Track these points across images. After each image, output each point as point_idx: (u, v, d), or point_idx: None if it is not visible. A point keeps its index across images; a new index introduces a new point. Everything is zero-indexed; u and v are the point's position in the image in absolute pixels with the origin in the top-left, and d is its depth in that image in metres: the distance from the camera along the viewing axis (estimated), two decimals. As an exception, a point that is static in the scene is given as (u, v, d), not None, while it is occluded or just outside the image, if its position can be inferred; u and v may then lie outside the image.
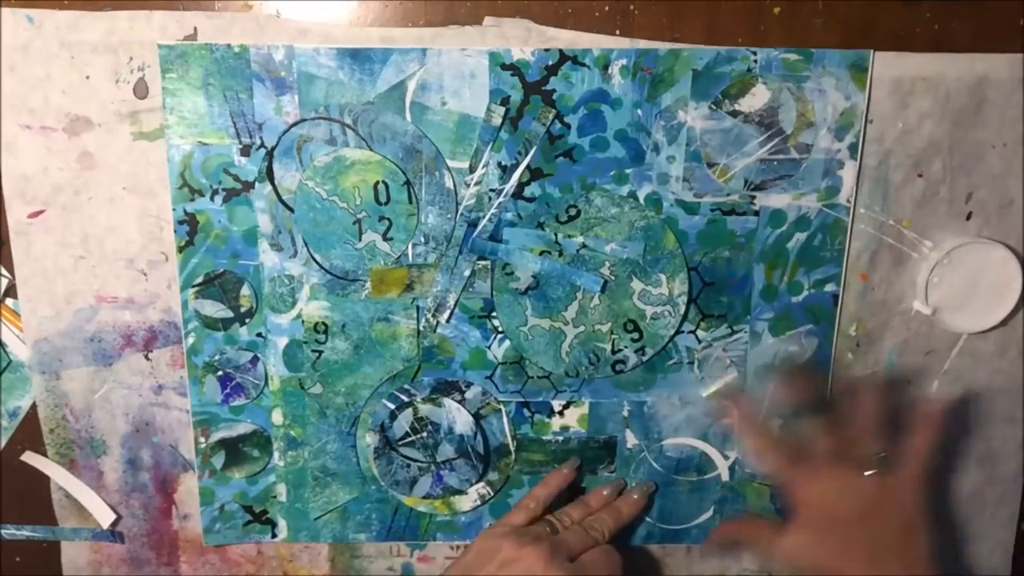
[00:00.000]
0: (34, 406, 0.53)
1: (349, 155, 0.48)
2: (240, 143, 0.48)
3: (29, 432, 0.53)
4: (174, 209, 0.49)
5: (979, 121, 0.48)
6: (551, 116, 0.48)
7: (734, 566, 0.56)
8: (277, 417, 0.52)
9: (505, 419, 0.53)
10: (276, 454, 0.53)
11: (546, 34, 0.47)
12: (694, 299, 0.51)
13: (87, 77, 0.47)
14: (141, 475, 0.54)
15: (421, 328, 0.51)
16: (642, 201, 0.49)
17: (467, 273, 0.50)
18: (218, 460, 0.53)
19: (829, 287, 0.50)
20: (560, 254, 0.50)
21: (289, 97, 0.47)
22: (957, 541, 0.56)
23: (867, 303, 0.51)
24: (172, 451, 0.53)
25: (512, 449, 0.53)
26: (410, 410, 0.52)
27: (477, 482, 0.53)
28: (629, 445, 0.53)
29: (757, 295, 0.51)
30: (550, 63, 0.47)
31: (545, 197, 0.49)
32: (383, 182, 0.48)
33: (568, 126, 0.48)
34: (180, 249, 0.49)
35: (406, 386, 0.52)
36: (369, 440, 0.53)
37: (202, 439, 0.52)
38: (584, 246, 0.49)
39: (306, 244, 0.49)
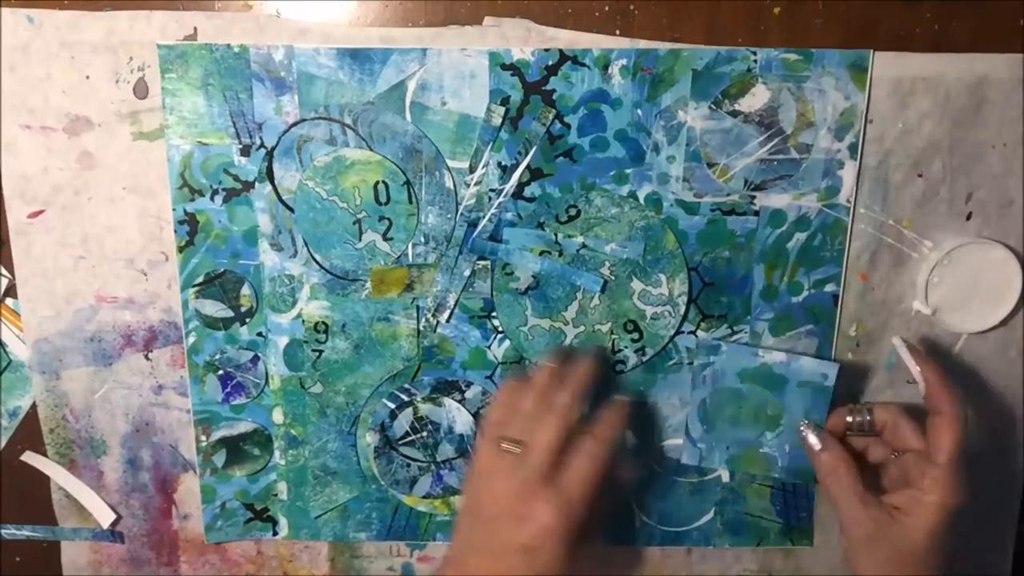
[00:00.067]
0: (34, 406, 0.53)
1: (349, 155, 0.48)
2: (240, 143, 0.48)
3: (29, 432, 0.53)
4: (174, 209, 0.49)
5: (979, 121, 0.48)
6: (551, 116, 0.48)
7: (734, 566, 0.56)
8: (278, 416, 0.52)
9: (505, 419, 0.53)
10: (277, 453, 0.53)
11: (546, 34, 0.47)
12: (694, 299, 0.51)
13: (87, 77, 0.47)
14: (141, 475, 0.54)
15: (421, 328, 0.51)
16: (642, 201, 0.49)
17: (467, 273, 0.50)
18: (219, 458, 0.53)
19: (829, 287, 0.50)
20: (560, 254, 0.50)
21: (289, 97, 0.47)
22: (957, 542, 0.56)
23: (867, 303, 0.51)
24: (172, 451, 0.53)
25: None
26: (410, 410, 0.52)
27: (477, 482, 0.53)
28: (629, 445, 0.53)
29: (757, 295, 0.51)
30: (550, 63, 0.47)
31: (545, 197, 0.49)
32: (383, 182, 0.48)
33: (568, 126, 0.48)
34: (180, 249, 0.49)
35: (406, 386, 0.52)
36: (369, 439, 0.53)
37: (203, 438, 0.52)
38: (584, 246, 0.49)
39: (306, 244, 0.49)
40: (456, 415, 0.52)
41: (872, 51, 0.47)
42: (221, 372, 0.51)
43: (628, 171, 0.48)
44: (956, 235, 0.50)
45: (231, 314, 0.51)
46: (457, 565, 0.45)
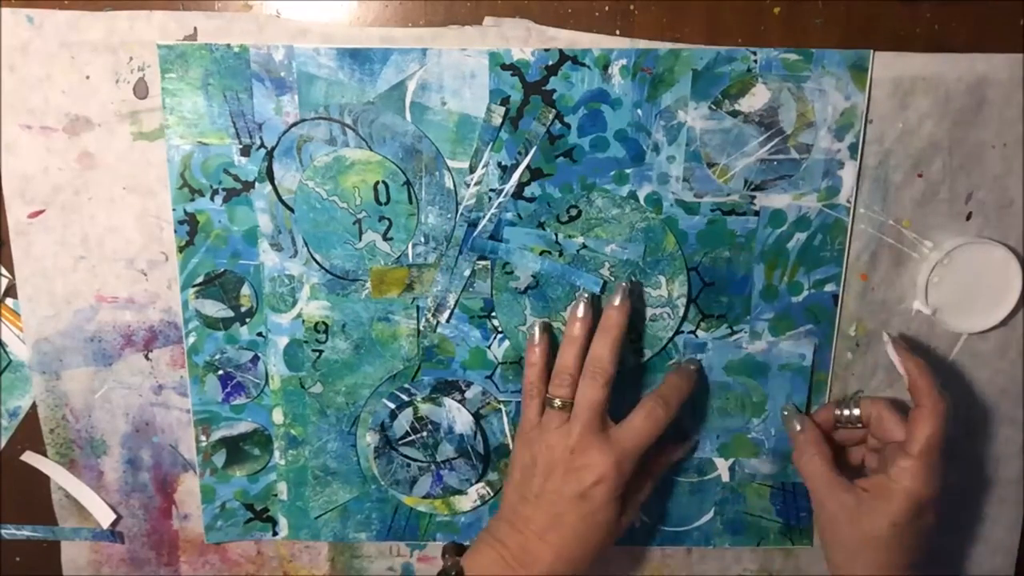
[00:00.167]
0: (34, 406, 0.53)
1: (349, 155, 0.48)
2: (240, 143, 0.48)
3: (29, 432, 0.53)
4: (174, 209, 0.49)
5: (979, 121, 0.48)
6: (551, 116, 0.48)
7: (734, 566, 0.56)
8: (278, 416, 0.52)
9: (505, 419, 0.53)
10: (277, 453, 0.53)
11: (546, 34, 0.47)
12: (694, 299, 0.51)
13: (87, 77, 0.47)
14: (141, 475, 0.54)
15: (421, 328, 0.51)
16: (642, 201, 0.49)
17: (467, 273, 0.50)
18: (219, 458, 0.53)
19: (829, 287, 0.50)
20: (560, 254, 0.50)
21: (289, 97, 0.47)
22: (959, 543, 0.56)
23: (867, 303, 0.51)
24: (172, 451, 0.53)
25: (512, 449, 0.53)
26: (410, 410, 0.52)
27: (477, 482, 0.53)
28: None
29: (757, 295, 0.51)
30: (550, 63, 0.47)
31: (545, 197, 0.49)
32: (383, 182, 0.48)
33: (568, 126, 0.48)
34: (180, 249, 0.49)
35: (406, 385, 0.52)
36: (369, 439, 0.53)
37: (203, 438, 0.52)
38: (584, 246, 0.49)
39: (306, 244, 0.49)
40: (456, 415, 0.52)
41: (872, 51, 0.47)
42: (221, 372, 0.51)
43: (628, 171, 0.48)
44: (956, 235, 0.50)
45: (231, 314, 0.51)
46: (510, 513, 0.48)
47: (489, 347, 0.51)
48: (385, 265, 0.50)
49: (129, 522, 0.55)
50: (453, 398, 0.52)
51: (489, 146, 0.48)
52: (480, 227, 0.49)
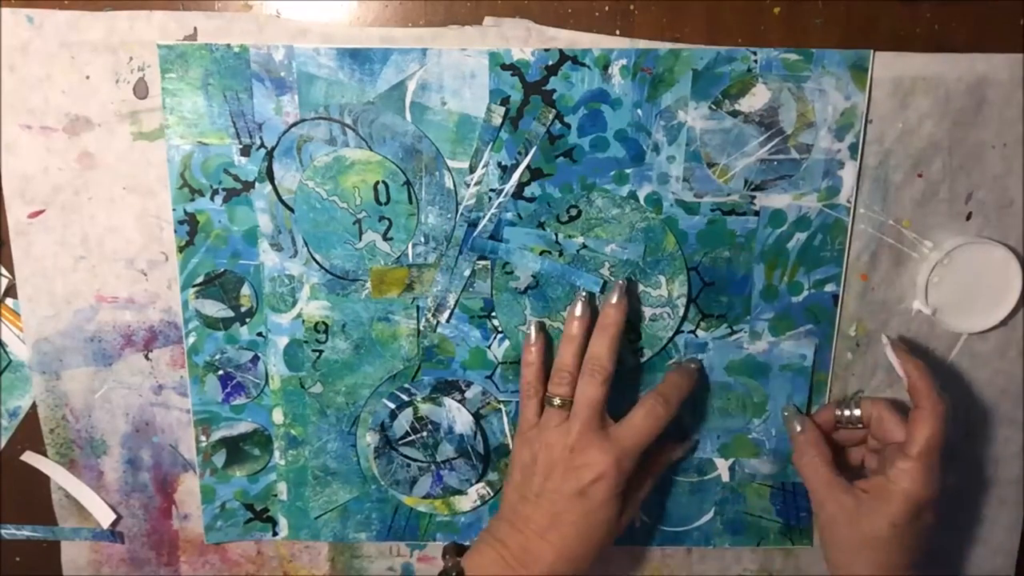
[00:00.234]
0: (34, 406, 0.53)
1: (349, 155, 0.48)
2: (240, 143, 0.48)
3: (29, 432, 0.53)
4: (174, 209, 0.49)
5: (979, 121, 0.48)
6: (551, 116, 0.48)
7: (734, 566, 0.56)
8: (278, 416, 0.52)
9: (505, 419, 0.53)
10: (277, 453, 0.53)
11: (546, 34, 0.47)
12: (694, 299, 0.51)
13: (87, 77, 0.47)
14: (141, 475, 0.54)
15: (421, 328, 0.51)
16: (642, 201, 0.49)
17: (467, 273, 0.50)
18: (219, 459, 0.53)
19: (829, 287, 0.50)
20: (560, 254, 0.50)
21: (289, 97, 0.47)
22: (959, 543, 0.56)
23: (867, 303, 0.51)
24: (172, 451, 0.53)
25: (511, 449, 0.53)
26: (410, 410, 0.52)
27: (477, 482, 0.53)
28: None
29: (757, 295, 0.51)
30: (550, 63, 0.47)
31: (545, 197, 0.49)
32: (383, 182, 0.48)
33: (568, 126, 0.48)
34: (180, 249, 0.49)
35: (406, 385, 0.52)
36: (369, 439, 0.53)
37: (203, 438, 0.52)
38: (584, 246, 0.49)
39: (306, 244, 0.49)
40: (456, 415, 0.52)
41: (872, 51, 0.47)
42: (221, 372, 0.51)
43: (628, 171, 0.48)
44: (956, 235, 0.50)
45: (231, 314, 0.51)
46: (510, 513, 0.48)
47: (489, 347, 0.51)
48: (385, 265, 0.50)
49: (129, 522, 0.55)
50: (453, 398, 0.52)
51: (489, 146, 0.48)
52: (480, 227, 0.49)
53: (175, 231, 0.49)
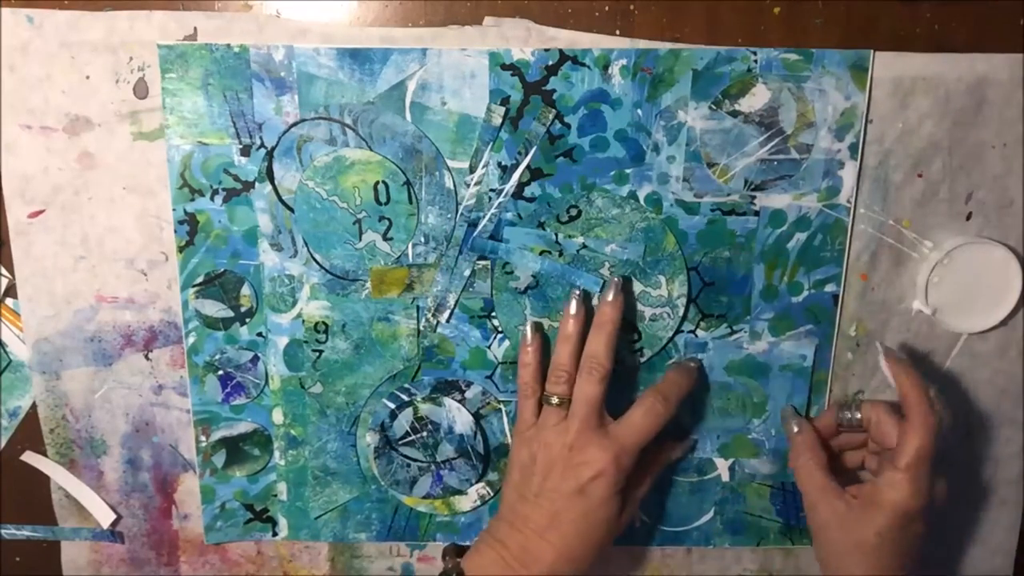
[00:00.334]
0: (34, 406, 0.53)
1: (349, 155, 0.48)
2: (240, 143, 0.48)
3: (29, 432, 0.53)
4: (174, 209, 0.49)
5: (979, 121, 0.48)
6: (551, 116, 0.48)
7: (734, 566, 0.56)
8: (278, 416, 0.52)
9: (505, 419, 0.53)
10: (277, 453, 0.53)
11: (546, 34, 0.47)
12: (694, 299, 0.51)
13: (87, 77, 0.47)
14: (141, 475, 0.54)
15: (421, 328, 0.51)
16: (642, 201, 0.49)
17: (467, 273, 0.50)
18: (219, 459, 0.53)
19: (829, 287, 0.50)
20: (560, 254, 0.50)
21: (289, 97, 0.47)
22: (958, 543, 0.56)
23: (867, 303, 0.51)
24: (172, 451, 0.53)
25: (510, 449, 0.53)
26: (410, 410, 0.52)
27: (477, 482, 0.53)
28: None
29: (757, 295, 0.51)
30: (550, 63, 0.47)
31: (545, 197, 0.49)
32: (383, 182, 0.48)
33: (568, 126, 0.48)
34: (180, 249, 0.49)
35: (406, 385, 0.52)
36: (369, 440, 0.53)
37: (203, 438, 0.52)
38: (584, 246, 0.49)
39: (306, 244, 0.49)
40: (456, 415, 0.52)
41: (872, 51, 0.47)
42: (221, 372, 0.51)
43: (628, 171, 0.48)
44: (956, 235, 0.50)
45: (231, 314, 0.51)
46: (509, 513, 0.48)
47: (489, 347, 0.51)
48: (385, 265, 0.50)
49: (129, 522, 0.55)
50: (453, 398, 0.52)
51: (489, 146, 0.48)
52: (480, 227, 0.49)
53: (175, 231, 0.49)
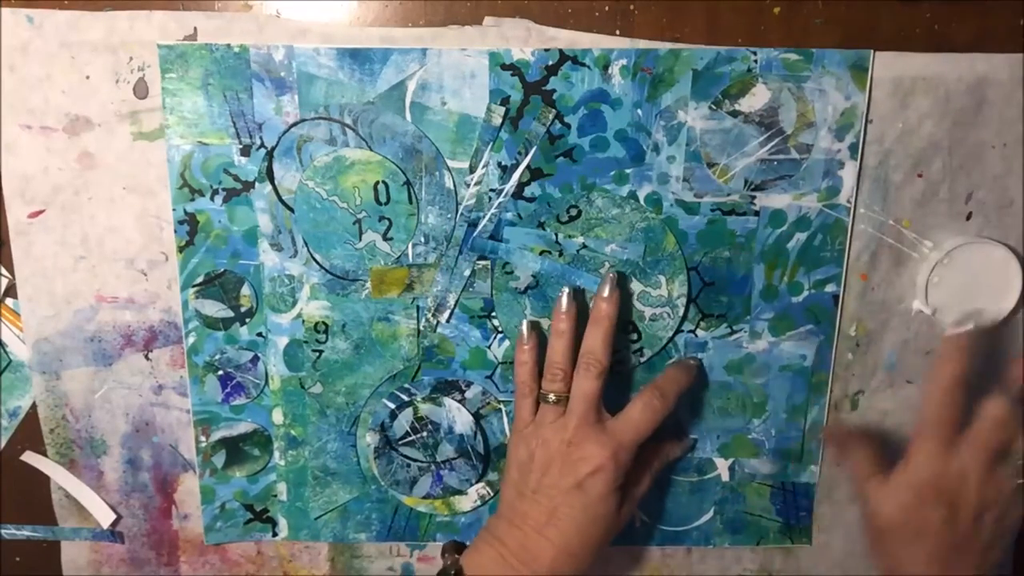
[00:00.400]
0: (34, 406, 0.53)
1: (349, 155, 0.48)
2: (240, 143, 0.48)
3: (29, 432, 0.53)
4: (174, 209, 0.49)
5: (979, 121, 0.48)
6: (551, 116, 0.48)
7: (734, 566, 0.56)
8: (277, 416, 0.52)
9: (505, 419, 0.53)
10: (276, 453, 0.53)
11: (546, 34, 0.47)
12: (694, 299, 0.51)
13: (87, 77, 0.47)
14: (141, 475, 0.54)
15: (421, 328, 0.51)
16: (642, 201, 0.49)
17: (467, 273, 0.50)
18: (219, 459, 0.53)
19: (829, 287, 0.50)
20: (560, 254, 0.50)
21: (289, 97, 0.47)
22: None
23: (867, 303, 0.51)
24: (172, 451, 0.53)
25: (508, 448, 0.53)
26: (410, 410, 0.52)
27: (477, 482, 0.53)
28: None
29: (757, 295, 0.51)
30: (550, 63, 0.47)
31: (545, 197, 0.49)
32: (383, 182, 0.48)
33: (568, 126, 0.48)
34: (180, 249, 0.49)
35: (406, 385, 0.52)
36: (369, 440, 0.53)
37: (203, 438, 0.52)
38: (584, 246, 0.49)
39: (306, 244, 0.49)
40: (456, 415, 0.52)
41: (872, 51, 0.47)
42: (221, 372, 0.51)
43: (628, 171, 0.48)
44: (956, 235, 0.50)
45: (231, 314, 0.51)
46: (508, 511, 0.48)
47: (489, 347, 0.51)
48: (385, 265, 0.50)
49: (129, 522, 0.55)
50: (453, 398, 0.52)
51: (489, 146, 0.48)
52: (480, 227, 0.49)
53: (175, 231, 0.49)
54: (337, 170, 0.48)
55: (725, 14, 0.47)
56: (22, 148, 0.48)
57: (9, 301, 0.51)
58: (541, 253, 0.50)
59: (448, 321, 0.51)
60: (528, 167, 0.48)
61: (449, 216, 0.49)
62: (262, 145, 0.48)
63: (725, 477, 0.54)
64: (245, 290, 0.50)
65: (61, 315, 0.51)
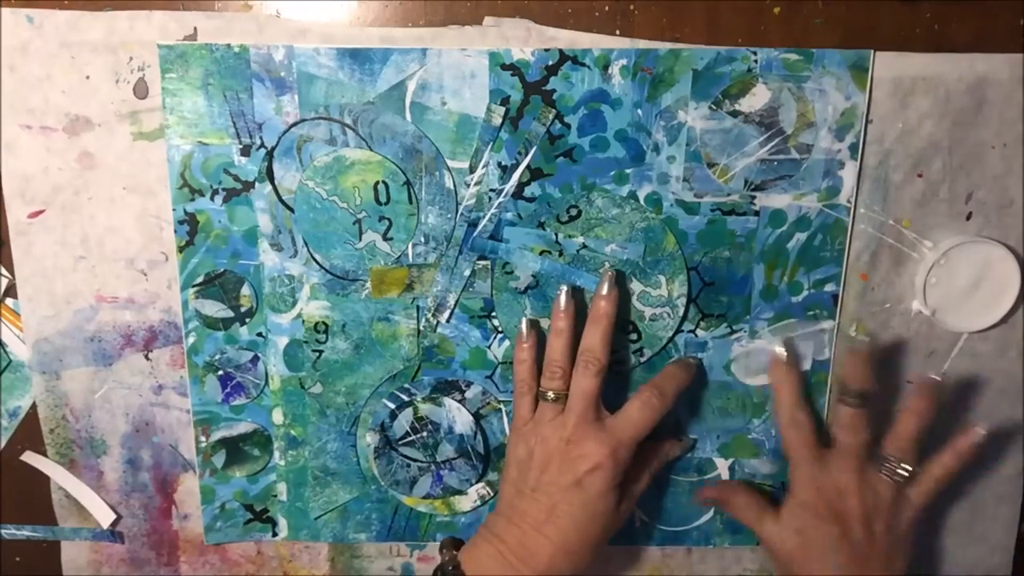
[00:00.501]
0: (34, 406, 0.53)
1: (349, 155, 0.48)
2: (240, 143, 0.48)
3: (29, 432, 0.53)
4: (174, 209, 0.49)
5: (979, 121, 0.48)
6: (551, 116, 0.48)
7: (734, 566, 0.56)
8: (277, 416, 0.52)
9: (505, 419, 0.53)
10: (276, 453, 0.53)
11: (546, 34, 0.47)
12: (694, 299, 0.51)
13: (87, 77, 0.47)
14: (141, 475, 0.54)
15: (421, 328, 0.51)
16: (642, 201, 0.49)
17: (467, 273, 0.50)
18: (219, 459, 0.53)
19: (829, 287, 0.50)
20: (560, 254, 0.50)
21: (289, 97, 0.47)
22: (957, 542, 0.56)
23: (867, 303, 0.51)
24: (172, 451, 0.53)
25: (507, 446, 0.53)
26: (410, 410, 0.52)
27: (477, 482, 0.53)
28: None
29: (757, 295, 0.51)
30: (550, 63, 0.47)
31: (545, 197, 0.49)
32: (383, 182, 0.48)
33: (568, 126, 0.48)
34: (180, 249, 0.49)
35: (406, 385, 0.52)
36: (369, 440, 0.53)
37: (203, 438, 0.52)
38: (584, 246, 0.49)
39: (306, 244, 0.49)
40: (456, 415, 0.52)
41: (872, 51, 0.47)
42: (221, 372, 0.51)
43: (628, 171, 0.48)
44: (956, 235, 0.50)
45: (231, 314, 0.51)
46: (507, 508, 0.48)
47: (489, 347, 0.51)
48: (385, 265, 0.50)
49: (129, 522, 0.55)
50: (453, 398, 0.52)
51: (489, 146, 0.48)
52: (480, 227, 0.49)
53: (175, 231, 0.49)
54: (337, 170, 0.48)
55: (725, 14, 0.47)
56: (22, 148, 0.48)
57: (9, 301, 0.51)
58: (541, 253, 0.50)
59: (448, 321, 0.51)
60: (528, 167, 0.48)
61: (449, 216, 0.49)
62: (262, 145, 0.48)
63: (725, 477, 0.54)
64: (245, 290, 0.50)
65: (61, 315, 0.51)
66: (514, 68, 0.47)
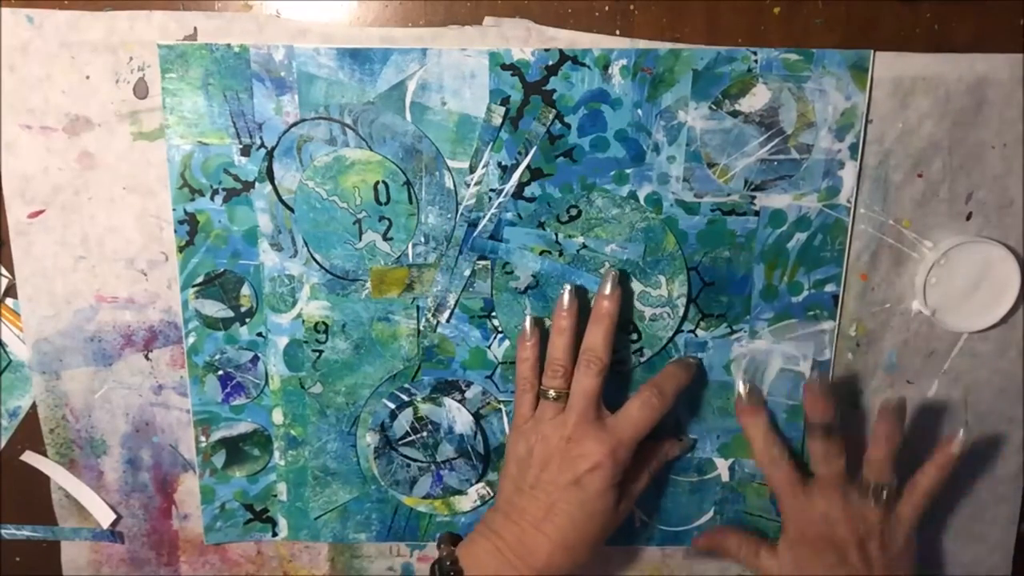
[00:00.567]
0: (34, 406, 0.53)
1: (349, 155, 0.48)
2: (240, 143, 0.48)
3: (29, 432, 0.53)
4: (174, 209, 0.49)
5: (979, 121, 0.48)
6: (551, 116, 0.48)
7: (734, 566, 0.56)
8: (277, 416, 0.52)
9: (505, 419, 0.53)
10: (276, 453, 0.53)
11: (546, 34, 0.47)
12: (694, 299, 0.51)
13: (87, 77, 0.47)
14: (141, 475, 0.54)
15: (421, 328, 0.51)
16: (642, 201, 0.49)
17: (467, 273, 0.50)
18: (219, 459, 0.53)
19: (829, 287, 0.50)
20: (560, 254, 0.50)
21: (289, 97, 0.47)
22: (957, 542, 0.56)
23: (867, 303, 0.51)
24: (172, 451, 0.53)
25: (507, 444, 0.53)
26: (410, 410, 0.52)
27: (477, 482, 0.53)
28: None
29: (757, 295, 0.51)
30: (550, 63, 0.47)
31: (545, 197, 0.49)
32: (383, 182, 0.48)
33: (568, 126, 0.48)
34: (180, 249, 0.49)
35: (406, 385, 0.52)
36: (369, 440, 0.53)
37: (203, 438, 0.52)
38: (584, 246, 0.49)
39: (306, 244, 0.49)
40: (456, 415, 0.52)
41: (872, 51, 0.47)
42: (221, 372, 0.51)
43: (628, 171, 0.48)
44: (956, 235, 0.50)
45: (231, 314, 0.51)
46: (506, 505, 0.48)
47: (489, 347, 0.51)
48: (385, 265, 0.50)
49: (129, 522, 0.55)
50: (453, 398, 0.52)
51: (489, 146, 0.48)
52: (480, 227, 0.49)
53: (175, 231, 0.49)
54: (337, 170, 0.48)
55: (725, 14, 0.47)
56: (22, 148, 0.48)
57: (9, 301, 0.51)
58: (541, 253, 0.50)
59: (448, 321, 0.51)
60: (528, 167, 0.48)
61: (449, 216, 0.49)
62: (262, 145, 0.48)
63: (725, 477, 0.54)
64: (245, 290, 0.50)
65: (61, 315, 0.51)
66: (514, 68, 0.47)
